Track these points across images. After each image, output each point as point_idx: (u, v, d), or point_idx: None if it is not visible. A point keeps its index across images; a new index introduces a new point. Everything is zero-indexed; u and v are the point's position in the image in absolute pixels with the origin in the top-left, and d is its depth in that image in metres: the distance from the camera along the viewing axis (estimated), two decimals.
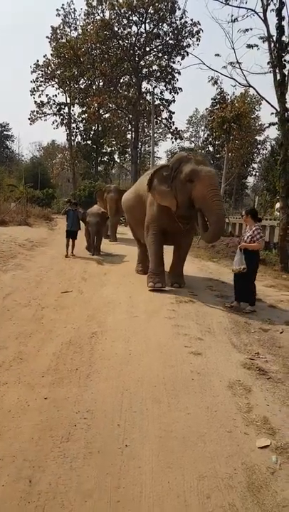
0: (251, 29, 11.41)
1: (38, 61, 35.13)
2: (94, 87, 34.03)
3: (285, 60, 10.84)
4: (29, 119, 36.28)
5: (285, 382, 3.90)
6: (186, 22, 30.07)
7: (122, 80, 33.04)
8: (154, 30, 30.55)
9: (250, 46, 11.40)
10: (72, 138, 38.61)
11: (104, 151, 40.61)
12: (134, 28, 30.62)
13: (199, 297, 6.96)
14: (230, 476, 2.55)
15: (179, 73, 31.93)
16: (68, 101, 36.97)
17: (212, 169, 7.13)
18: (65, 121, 37.67)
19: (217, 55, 12.89)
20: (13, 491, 2.36)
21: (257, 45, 11.31)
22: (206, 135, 40.80)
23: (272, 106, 11.18)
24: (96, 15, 31.17)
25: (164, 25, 30.56)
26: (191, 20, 30.02)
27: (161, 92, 32.97)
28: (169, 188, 6.95)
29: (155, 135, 36.09)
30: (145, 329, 5.19)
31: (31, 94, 35.81)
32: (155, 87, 32.73)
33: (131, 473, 2.55)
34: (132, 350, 4.48)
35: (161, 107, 33.35)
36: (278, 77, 10.85)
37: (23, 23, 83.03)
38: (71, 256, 10.96)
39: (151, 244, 7.61)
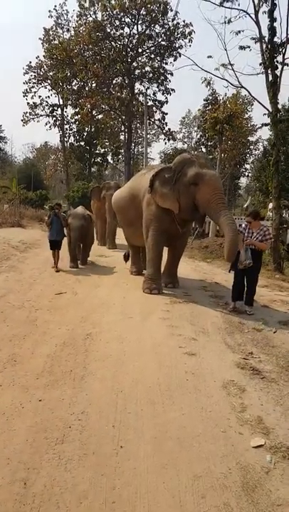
0: (243, 31, 11.50)
1: (30, 62, 35.09)
2: (87, 89, 33.95)
3: (277, 61, 10.92)
4: (22, 120, 36.18)
5: (278, 381, 3.92)
6: (178, 23, 30.15)
7: (114, 81, 33.01)
8: (147, 32, 30.58)
9: (242, 48, 11.47)
10: (66, 139, 38.52)
11: (97, 152, 40.54)
12: (127, 30, 30.69)
13: (193, 298, 6.98)
14: (225, 475, 2.57)
15: (172, 74, 32.02)
16: (61, 102, 36.89)
17: (216, 172, 7.10)
18: (58, 123, 37.58)
19: (209, 56, 12.98)
20: (8, 493, 2.35)
21: (249, 47, 11.40)
22: (198, 136, 40.90)
23: (264, 107, 11.25)
24: (88, 16, 31.16)
25: (157, 26, 30.62)
26: (184, 21, 30.13)
27: (153, 93, 33.06)
28: (171, 191, 6.86)
29: (148, 136, 36.13)
30: (139, 330, 5.20)
31: (24, 96, 35.73)
32: (148, 88, 32.79)
33: (126, 474, 2.56)
34: (127, 351, 4.48)
35: (154, 108, 33.39)
36: (270, 78, 10.91)
37: (15, 24, 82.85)
38: (55, 269, 9.14)
39: (151, 247, 7.40)
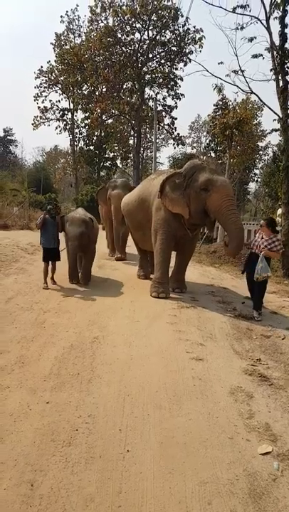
0: (255, 37, 11.51)
1: (42, 67, 35.54)
2: (97, 93, 34.16)
3: (287, 68, 10.90)
4: (32, 124, 36.54)
5: (286, 388, 3.90)
6: (188, 29, 30.24)
7: (124, 86, 33.17)
8: (157, 37, 30.72)
9: (255, 56, 11.45)
10: (75, 143, 38.81)
11: (106, 156, 40.69)
12: (138, 35, 30.86)
13: (201, 303, 6.95)
14: (231, 482, 2.55)
15: (182, 79, 32.11)
16: (71, 106, 37.24)
17: (227, 179, 7.14)
18: (68, 127, 37.93)
19: (221, 62, 12.97)
20: (15, 495, 2.37)
21: (262, 55, 11.37)
22: (207, 141, 40.94)
23: (274, 112, 11.23)
24: (100, 22, 31.44)
25: (167, 32, 30.75)
26: (194, 27, 30.21)
27: (163, 98, 33.16)
28: (181, 196, 6.89)
29: (157, 141, 36.23)
30: (147, 334, 5.20)
31: (35, 100, 36.13)
32: (158, 93, 32.91)
33: (132, 478, 2.56)
34: (134, 355, 4.48)
35: (163, 112, 33.49)
36: (281, 84, 10.90)
37: (26, 28, 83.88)
38: (51, 284, 7.81)
39: (160, 251, 7.39)
